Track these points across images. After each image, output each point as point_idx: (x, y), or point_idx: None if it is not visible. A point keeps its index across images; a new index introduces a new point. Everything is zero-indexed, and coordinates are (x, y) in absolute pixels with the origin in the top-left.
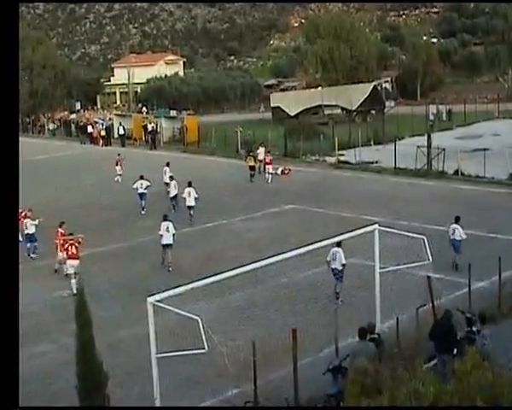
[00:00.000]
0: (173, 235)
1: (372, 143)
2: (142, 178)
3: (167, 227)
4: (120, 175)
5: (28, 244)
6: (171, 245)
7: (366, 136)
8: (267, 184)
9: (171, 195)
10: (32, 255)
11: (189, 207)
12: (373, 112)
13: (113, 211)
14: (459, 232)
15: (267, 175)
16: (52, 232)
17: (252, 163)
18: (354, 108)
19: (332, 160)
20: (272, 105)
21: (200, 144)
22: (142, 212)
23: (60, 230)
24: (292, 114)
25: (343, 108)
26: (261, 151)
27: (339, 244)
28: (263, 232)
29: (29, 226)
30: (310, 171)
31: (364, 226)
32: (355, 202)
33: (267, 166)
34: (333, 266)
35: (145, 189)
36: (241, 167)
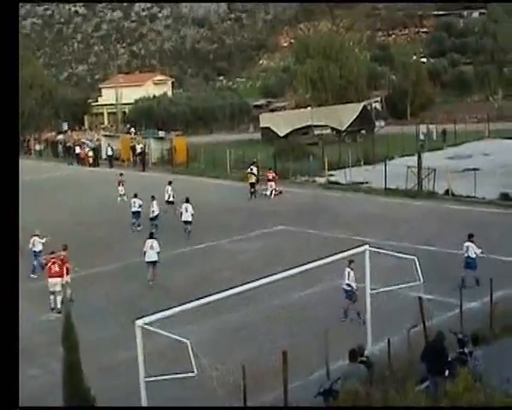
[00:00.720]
0: (158, 253)
1: (362, 163)
2: (135, 196)
3: (151, 245)
4: (123, 195)
5: (34, 262)
6: (155, 262)
7: (356, 156)
8: (259, 205)
9: (152, 215)
10: (32, 275)
11: (186, 223)
12: (363, 132)
13: (108, 230)
14: (473, 250)
15: (268, 192)
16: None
17: (252, 180)
18: (344, 129)
19: (322, 180)
20: (262, 125)
21: (189, 165)
22: (133, 228)
23: (63, 253)
24: (281, 134)
25: (333, 129)
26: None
27: (350, 263)
28: (255, 253)
29: (36, 244)
30: (300, 192)
31: (355, 247)
32: (346, 223)
33: (269, 183)
34: (346, 288)
35: (139, 207)
36: (230, 188)
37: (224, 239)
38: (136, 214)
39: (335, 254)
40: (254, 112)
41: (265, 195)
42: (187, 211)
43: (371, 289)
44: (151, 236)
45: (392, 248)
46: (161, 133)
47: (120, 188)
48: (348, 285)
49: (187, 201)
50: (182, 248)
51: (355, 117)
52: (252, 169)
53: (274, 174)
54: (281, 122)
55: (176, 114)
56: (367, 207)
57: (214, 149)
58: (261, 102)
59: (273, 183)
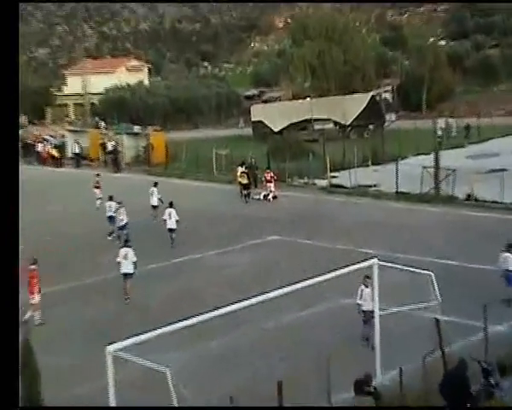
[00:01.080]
0: (134, 263)
1: (370, 163)
2: (111, 199)
3: (126, 254)
4: (101, 199)
5: None
6: (130, 275)
7: (363, 155)
8: (250, 211)
9: (120, 224)
10: None
11: (170, 230)
12: (371, 127)
13: (81, 240)
14: None
15: (261, 196)
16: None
17: (245, 181)
18: (349, 123)
19: (323, 183)
20: (253, 119)
21: (168, 165)
22: (109, 238)
23: (32, 267)
24: (276, 129)
25: (336, 123)
26: (240, 171)
27: (366, 279)
28: (243, 268)
29: None
30: (297, 196)
31: (361, 261)
32: (350, 233)
33: (268, 185)
34: (364, 308)
35: (114, 212)
36: (217, 192)
37: (210, 251)
38: (113, 220)
39: (338, 268)
40: (245, 103)
41: (258, 199)
42: (170, 217)
43: (381, 310)
44: (126, 244)
45: (404, 262)
46: (136, 128)
47: (97, 191)
48: (362, 305)
49: (170, 205)
50: (161, 262)
51: (362, 109)
52: (245, 169)
53: (272, 174)
54: (275, 115)
55: (153, 105)
56: (375, 214)
57: (198, 146)
58: (252, 91)
59: (272, 184)
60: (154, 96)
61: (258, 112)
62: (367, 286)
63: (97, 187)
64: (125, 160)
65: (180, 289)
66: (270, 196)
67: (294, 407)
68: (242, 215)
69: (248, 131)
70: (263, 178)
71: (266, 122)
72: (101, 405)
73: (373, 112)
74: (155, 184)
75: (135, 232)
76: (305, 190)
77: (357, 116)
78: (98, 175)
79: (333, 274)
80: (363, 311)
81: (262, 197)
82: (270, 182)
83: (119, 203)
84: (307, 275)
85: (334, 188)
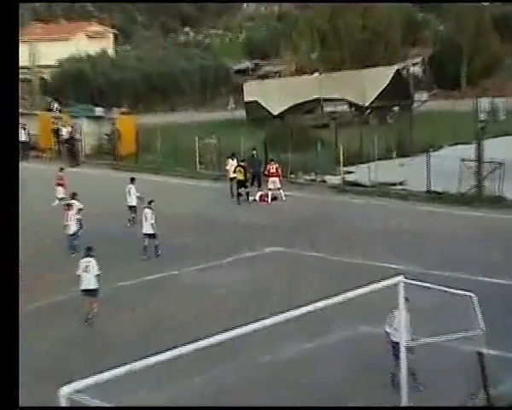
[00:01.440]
0: (96, 276)
1: (394, 155)
2: (73, 197)
3: (87, 266)
4: (63, 199)
5: None
6: (93, 292)
7: (385, 144)
8: (243, 215)
9: (69, 231)
10: None
11: (146, 236)
12: (395, 109)
13: (34, 250)
14: None
15: (257, 197)
16: None
17: (241, 177)
18: (368, 104)
19: (335, 180)
20: (246, 100)
21: (139, 158)
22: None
23: None
24: (275, 112)
25: (351, 104)
26: (230, 165)
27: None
28: (234, 287)
29: None
30: (302, 197)
31: (383, 279)
32: (369, 244)
33: (271, 180)
34: (396, 339)
35: (78, 213)
36: (201, 191)
37: (192, 266)
38: (78, 223)
39: (355, 288)
40: (236, 79)
41: (254, 200)
42: (146, 219)
43: (407, 341)
44: (87, 253)
45: (438, 281)
46: (99, 111)
47: (60, 189)
48: (393, 335)
49: (149, 203)
50: (132, 278)
51: (384, 87)
52: (242, 162)
53: (277, 167)
54: (274, 95)
55: (120, 81)
56: (401, 219)
57: (177, 134)
58: (246, 64)
59: (276, 179)
60: (122, 70)
61: (252, 90)
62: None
63: (60, 184)
64: (85, 150)
65: (152, 314)
66: (269, 198)
67: (296, 407)
68: (234, 221)
69: (240, 114)
70: (266, 172)
71: (263, 103)
72: None
73: (398, 90)
74: (132, 180)
75: (102, 241)
76: (312, 189)
77: (379, 95)
78: (62, 170)
79: (348, 295)
80: (394, 342)
81: (258, 198)
82: (275, 176)
83: (67, 206)
84: (315, 296)
85: (349, 186)
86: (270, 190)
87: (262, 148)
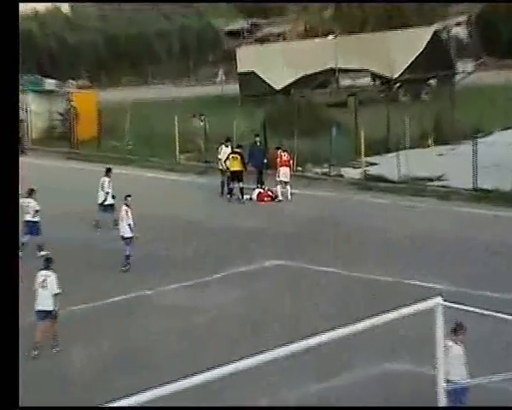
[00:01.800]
0: (55, 296)
1: (431, 141)
2: (30, 194)
3: (44, 280)
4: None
5: None
6: (50, 314)
7: (420, 128)
8: (237, 218)
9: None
10: None
11: (123, 239)
12: (432, 82)
13: None
14: None
15: (254, 195)
16: None
17: (236, 166)
18: (397, 76)
19: (354, 174)
20: (241, 70)
21: (102, 144)
22: (20, 253)
23: None
24: (278, 86)
25: (375, 76)
26: (222, 153)
27: (455, 332)
28: (224, 312)
29: None
30: (311, 195)
31: (416, 301)
32: (395, 255)
33: (282, 171)
34: (450, 377)
35: (35, 214)
36: (182, 187)
37: (171, 284)
38: (31, 227)
39: (379, 313)
40: (227, 44)
41: (250, 199)
42: (122, 220)
43: (447, 381)
44: (46, 265)
45: (487, 304)
46: (49, 83)
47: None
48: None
49: (125, 199)
50: (95, 299)
51: (418, 54)
52: (232, 150)
53: (288, 155)
54: (277, 63)
55: (77, 46)
56: (439, 224)
57: (151, 114)
58: (240, 25)
59: (287, 170)
60: (80, 32)
61: (248, 58)
62: (456, 343)
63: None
64: (31, 135)
65: (124, 344)
66: (279, 194)
67: (297, 407)
68: (225, 226)
69: (233, 88)
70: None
71: (262, 75)
72: None
73: (436, 58)
74: (107, 172)
75: (61, 250)
76: (325, 186)
77: (411, 65)
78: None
79: (370, 322)
80: (448, 380)
81: (255, 197)
82: (286, 166)
83: (29, 193)
84: (327, 323)
85: (372, 182)
86: (280, 183)
87: (261, 133)
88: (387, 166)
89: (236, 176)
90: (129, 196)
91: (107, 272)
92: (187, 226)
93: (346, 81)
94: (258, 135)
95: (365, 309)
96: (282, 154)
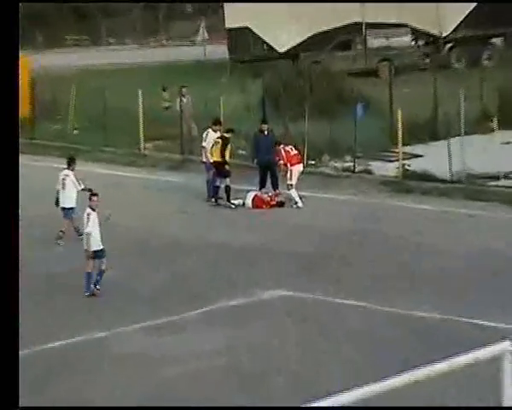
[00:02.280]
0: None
1: (495, 125)
2: None
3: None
4: None
5: None
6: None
7: (479, 106)
8: (228, 230)
9: None
10: None
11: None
12: (497, 42)
13: None
14: None
15: (249, 200)
16: None
17: (216, 157)
18: (448, 33)
19: (387, 169)
20: (230, 25)
21: (36, 128)
22: None
23: None
24: (282, 48)
25: (418, 34)
26: (208, 140)
27: None
28: (204, 364)
29: None
30: (329, 198)
31: (478, 346)
32: (445, 283)
33: (293, 171)
34: None
35: None
36: (150, 187)
37: (134, 323)
38: None
39: (427, 364)
40: None
41: (242, 204)
42: (88, 223)
43: None
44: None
45: None
46: None
47: None
48: None
49: (89, 199)
50: (33, 344)
51: (475, 6)
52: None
53: (295, 149)
54: (280, 16)
55: None
56: (506, 240)
57: (105, 85)
58: None
59: (297, 168)
60: None
61: (241, 8)
62: None
63: None
64: None
65: None
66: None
67: (296, 407)
68: (210, 242)
69: (219, 51)
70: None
71: (260, 32)
72: None
73: (500, 11)
74: (70, 163)
75: None
76: (348, 186)
77: (467, 18)
78: None
79: (413, 375)
80: None
81: (250, 202)
82: (296, 164)
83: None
84: (349, 377)
85: (414, 181)
86: (291, 186)
87: (257, 110)
88: (435, 158)
89: (219, 170)
90: (95, 194)
91: (63, 304)
92: (158, 244)
93: (376, 41)
94: (264, 121)
95: (405, 356)
96: (289, 149)
